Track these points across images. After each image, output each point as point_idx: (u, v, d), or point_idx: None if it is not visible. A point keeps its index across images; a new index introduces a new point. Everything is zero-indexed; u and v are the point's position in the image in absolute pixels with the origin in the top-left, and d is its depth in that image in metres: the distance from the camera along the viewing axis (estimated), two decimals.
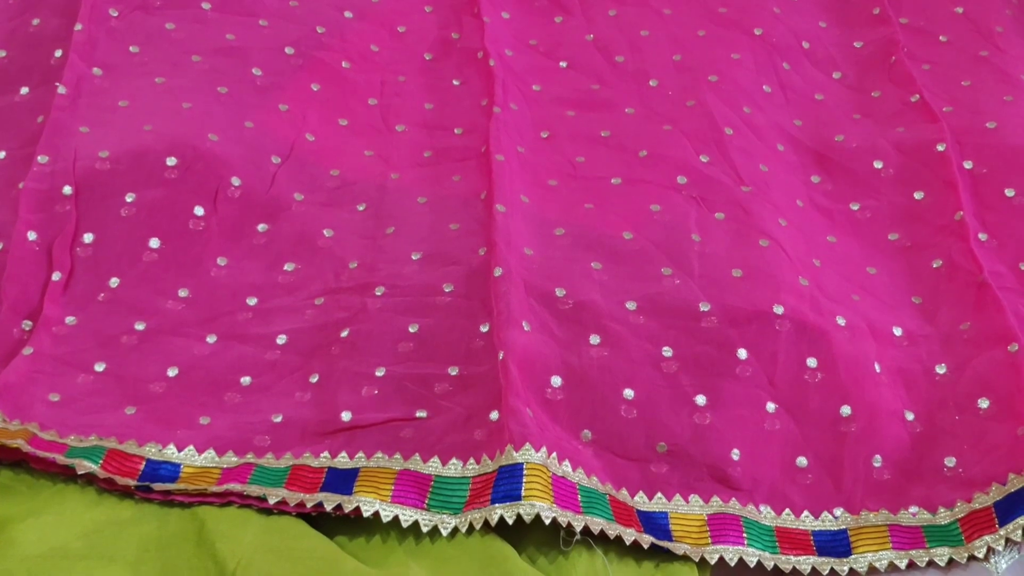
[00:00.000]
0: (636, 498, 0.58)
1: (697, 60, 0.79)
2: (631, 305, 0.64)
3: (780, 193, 0.72)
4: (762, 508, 0.59)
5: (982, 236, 0.70)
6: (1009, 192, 0.72)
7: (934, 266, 0.69)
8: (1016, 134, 0.74)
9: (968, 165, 0.73)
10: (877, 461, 0.60)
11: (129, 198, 0.67)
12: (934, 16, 0.83)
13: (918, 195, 0.72)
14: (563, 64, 0.80)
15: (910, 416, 0.62)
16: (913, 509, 0.59)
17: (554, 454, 0.57)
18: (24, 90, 0.74)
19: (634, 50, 0.81)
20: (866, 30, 0.82)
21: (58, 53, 0.75)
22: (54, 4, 0.78)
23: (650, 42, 0.81)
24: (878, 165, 0.74)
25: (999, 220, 0.71)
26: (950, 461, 0.60)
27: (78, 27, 0.74)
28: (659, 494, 0.59)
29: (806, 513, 0.59)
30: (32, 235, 0.65)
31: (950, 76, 0.79)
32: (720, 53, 0.80)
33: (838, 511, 0.59)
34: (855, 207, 0.72)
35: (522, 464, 0.55)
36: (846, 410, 0.61)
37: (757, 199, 0.70)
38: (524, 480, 0.54)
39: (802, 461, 0.60)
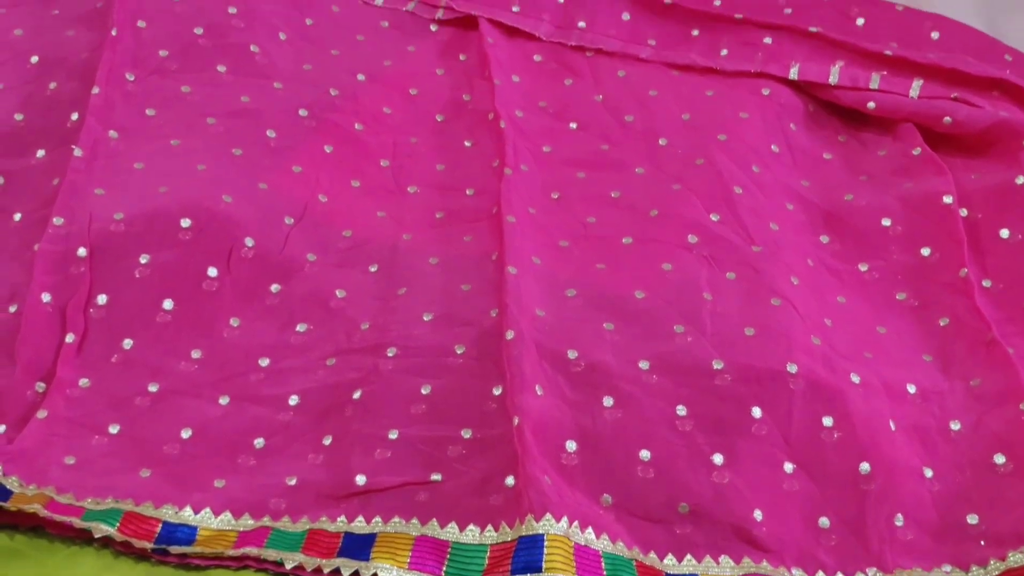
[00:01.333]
0: (666, 560, 0.58)
1: (705, 119, 0.80)
2: (644, 365, 0.64)
3: (790, 252, 0.72)
4: (795, 571, 0.58)
5: (986, 283, 0.71)
6: (1004, 233, 0.73)
7: (941, 324, 0.69)
8: (995, 173, 0.75)
9: (963, 213, 0.74)
10: (899, 520, 0.60)
11: (143, 259, 0.68)
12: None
13: (925, 251, 0.73)
14: (573, 125, 0.81)
15: (928, 473, 0.62)
16: (947, 568, 0.59)
17: (576, 522, 0.56)
18: (40, 153, 0.75)
19: (643, 110, 0.82)
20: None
21: (74, 116, 0.76)
22: (71, 68, 0.79)
23: (659, 102, 0.82)
24: (886, 223, 0.74)
25: (999, 263, 0.72)
26: (972, 519, 0.60)
27: (95, 90, 0.75)
28: (688, 555, 0.58)
29: (840, 575, 0.58)
30: (46, 297, 0.66)
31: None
32: (728, 112, 0.81)
33: (871, 571, 0.59)
34: (863, 268, 0.73)
35: (543, 535, 0.54)
36: (865, 468, 0.61)
37: (768, 259, 0.70)
38: (545, 551, 0.54)
39: (824, 522, 0.60)
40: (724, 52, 0.85)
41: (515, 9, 0.87)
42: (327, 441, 0.62)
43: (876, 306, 0.71)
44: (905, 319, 0.70)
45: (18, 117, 0.77)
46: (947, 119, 0.79)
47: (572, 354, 0.64)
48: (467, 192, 0.76)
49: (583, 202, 0.75)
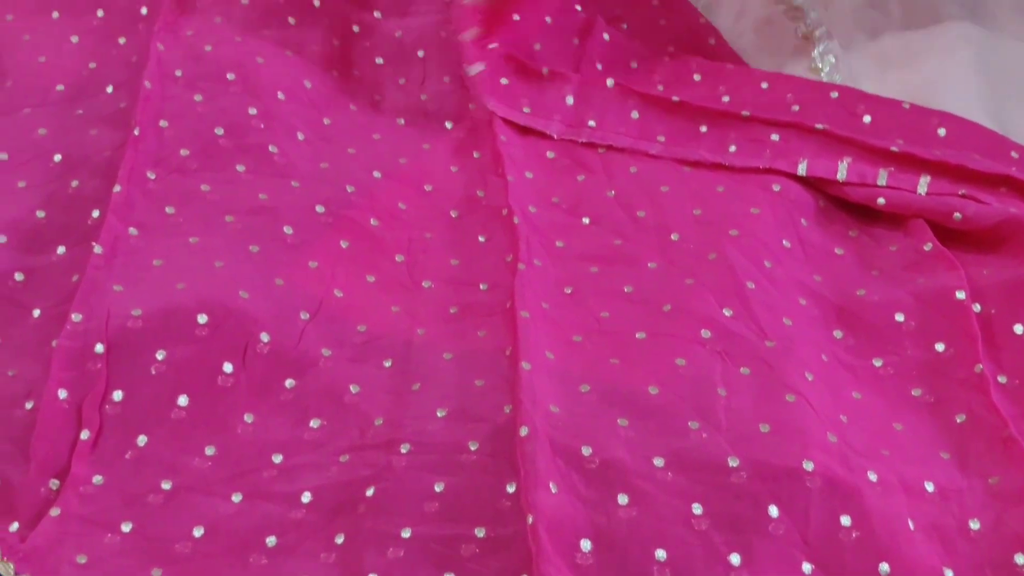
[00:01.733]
0: None
1: (717, 214, 0.81)
2: (659, 461, 0.63)
3: (804, 348, 0.72)
4: None
5: (1001, 379, 0.70)
6: (1018, 328, 0.72)
7: (958, 421, 0.69)
8: (1007, 269, 0.75)
9: (977, 308, 0.74)
10: None
11: (160, 355, 0.68)
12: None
13: (939, 347, 0.73)
14: (586, 220, 0.82)
15: (949, 574, 0.61)
16: None
17: None
18: (61, 249, 0.76)
19: (655, 205, 0.82)
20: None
21: (96, 213, 0.77)
22: (94, 166, 0.81)
23: (670, 197, 0.83)
24: (900, 318, 0.74)
25: (1014, 359, 0.71)
26: None
27: (117, 188, 0.77)
28: None
29: None
30: (63, 393, 0.66)
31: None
32: (739, 208, 0.81)
33: None
34: (878, 363, 0.73)
35: None
36: (885, 569, 0.60)
37: (782, 354, 0.70)
38: None
39: None
40: (733, 148, 0.86)
41: (526, 110, 0.88)
42: (339, 539, 0.62)
43: (892, 402, 0.70)
44: (921, 415, 0.70)
45: (40, 215, 0.78)
46: (957, 215, 0.79)
47: (586, 451, 0.64)
48: (481, 287, 0.76)
49: (596, 297, 0.75)
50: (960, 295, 0.74)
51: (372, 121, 0.89)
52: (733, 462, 0.63)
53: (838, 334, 0.75)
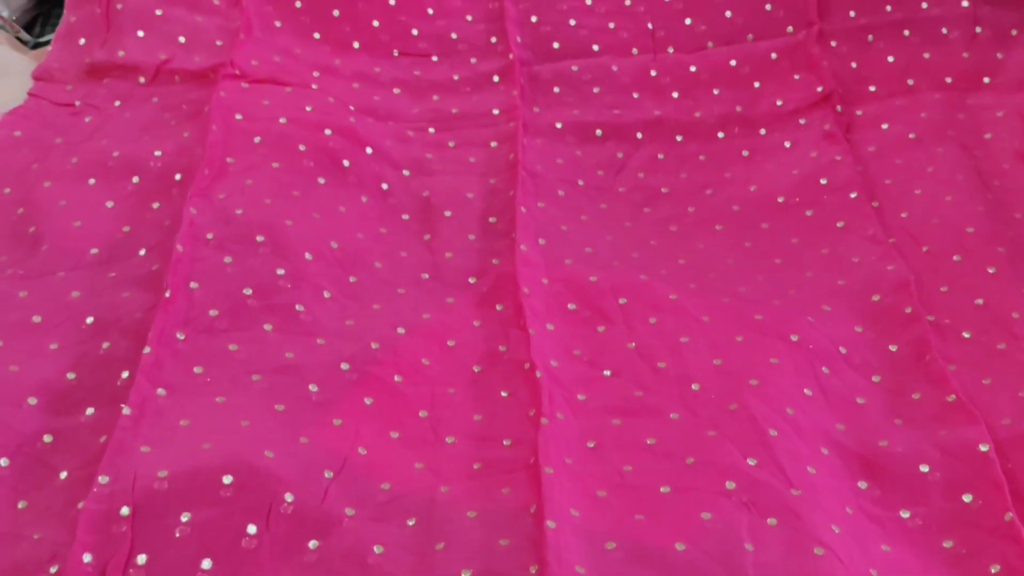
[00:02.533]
0: None
1: (737, 364, 0.81)
2: None
3: (829, 498, 0.71)
4: None
5: None
6: None
7: (992, 572, 0.68)
8: None
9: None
10: None
11: (184, 518, 0.68)
12: (957, 311, 0.86)
13: (967, 498, 0.72)
14: (607, 373, 0.82)
15: None
16: None
17: None
18: (90, 411, 0.77)
19: (675, 356, 0.83)
20: (899, 331, 0.85)
21: (125, 375, 0.78)
22: (124, 327, 0.82)
23: (690, 348, 0.84)
24: (924, 469, 0.74)
25: None
26: None
27: (147, 350, 0.78)
28: None
29: None
30: (87, 557, 0.66)
31: (972, 377, 0.81)
32: (759, 358, 0.82)
33: None
34: (905, 515, 0.72)
35: None
36: None
37: (808, 503, 0.70)
38: None
39: None
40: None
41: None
42: None
43: (922, 555, 0.69)
44: (953, 568, 0.68)
45: (71, 376, 0.80)
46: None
47: None
48: (504, 443, 0.77)
49: (619, 450, 0.75)
50: (983, 448, 0.74)
51: (397, 277, 0.91)
52: None
53: (863, 485, 0.74)
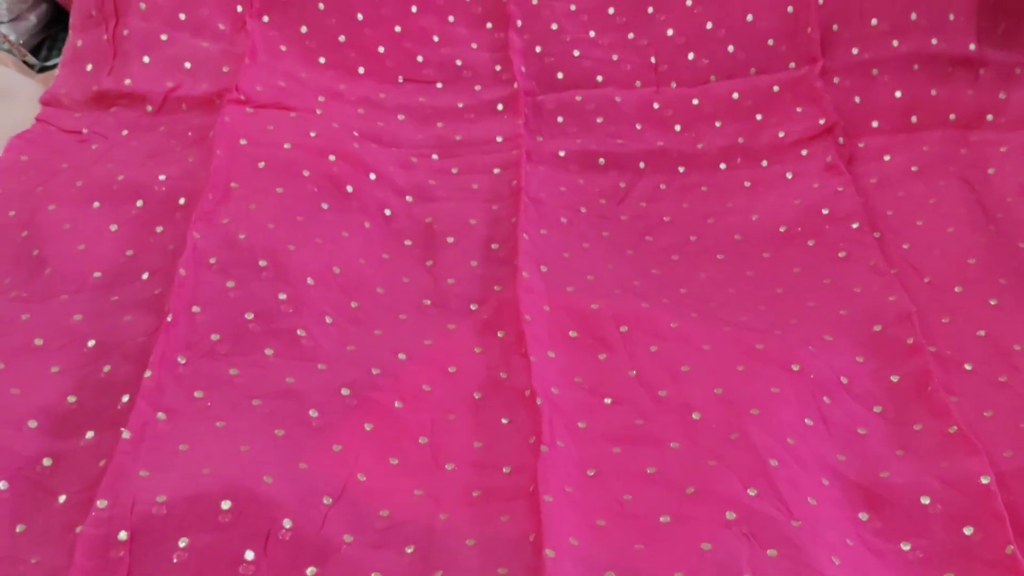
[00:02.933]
0: None
1: (738, 394, 0.81)
2: None
3: (830, 530, 0.71)
4: None
5: None
6: None
7: None
8: None
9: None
10: None
11: (182, 543, 0.68)
12: (959, 342, 0.86)
13: (968, 531, 0.71)
14: (608, 400, 0.82)
15: None
16: None
17: None
18: (90, 434, 0.77)
19: (676, 385, 0.83)
20: (901, 362, 0.84)
21: (125, 398, 0.78)
22: (126, 352, 0.82)
23: (691, 377, 0.84)
24: (925, 501, 0.74)
25: None
26: None
27: (148, 374, 0.78)
28: None
29: None
30: None
31: (974, 408, 0.80)
32: (760, 387, 0.82)
33: None
34: (906, 547, 0.72)
35: None
36: None
37: (808, 534, 0.69)
38: None
39: None
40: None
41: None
42: None
43: None
44: None
45: (71, 399, 0.79)
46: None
47: None
48: (504, 470, 0.76)
49: (619, 479, 0.75)
50: (984, 480, 0.73)
51: (398, 302, 0.91)
52: None
53: (863, 516, 0.74)
